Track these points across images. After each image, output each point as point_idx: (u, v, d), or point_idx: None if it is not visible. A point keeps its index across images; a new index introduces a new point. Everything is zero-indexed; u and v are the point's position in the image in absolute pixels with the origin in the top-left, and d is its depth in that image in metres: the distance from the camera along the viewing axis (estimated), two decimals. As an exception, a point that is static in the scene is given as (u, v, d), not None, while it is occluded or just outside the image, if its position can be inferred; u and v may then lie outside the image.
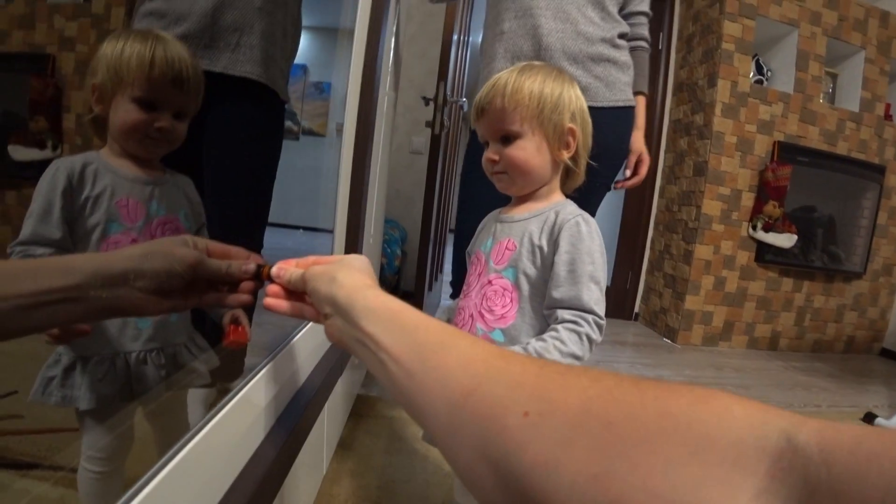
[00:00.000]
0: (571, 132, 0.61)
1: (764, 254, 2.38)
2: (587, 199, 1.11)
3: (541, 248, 0.58)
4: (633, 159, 1.16)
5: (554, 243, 0.57)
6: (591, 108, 1.03)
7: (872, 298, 2.64)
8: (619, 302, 2.79)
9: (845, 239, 2.56)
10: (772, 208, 2.35)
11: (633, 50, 1.16)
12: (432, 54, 2.42)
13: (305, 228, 1.61)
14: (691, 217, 2.35)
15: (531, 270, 0.58)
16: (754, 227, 2.35)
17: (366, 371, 1.50)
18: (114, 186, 0.58)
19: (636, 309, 2.78)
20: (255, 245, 0.89)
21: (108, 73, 0.55)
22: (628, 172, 1.17)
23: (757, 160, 2.37)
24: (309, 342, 0.74)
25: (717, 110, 2.32)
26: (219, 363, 0.69)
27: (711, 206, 2.31)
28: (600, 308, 0.55)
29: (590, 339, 0.53)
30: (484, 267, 0.63)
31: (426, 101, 1.80)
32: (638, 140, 1.16)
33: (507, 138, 0.60)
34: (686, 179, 2.44)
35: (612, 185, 1.17)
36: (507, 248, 0.61)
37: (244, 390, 0.47)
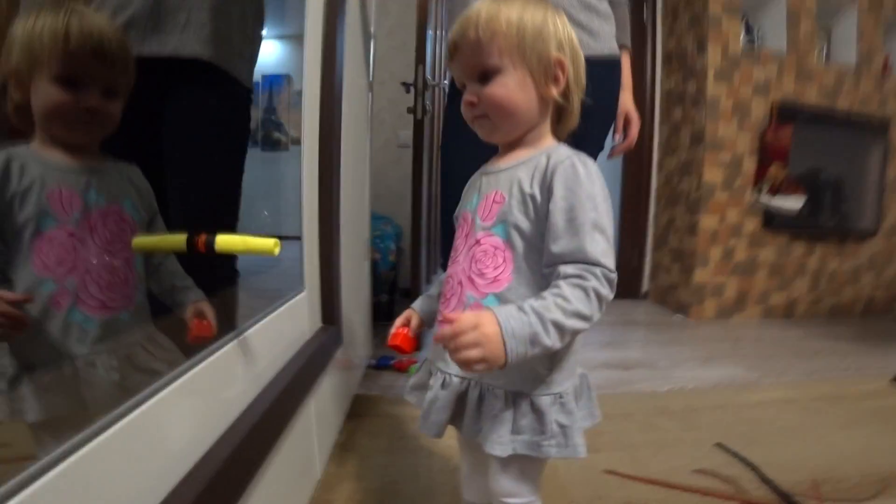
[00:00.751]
0: (559, 63, 0.52)
1: (772, 219, 2.30)
2: None
3: (532, 196, 0.49)
4: (620, 121, 1.09)
5: (548, 189, 0.48)
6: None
7: (888, 256, 2.55)
8: (626, 281, 2.70)
9: (855, 198, 2.47)
10: (776, 170, 2.26)
11: (610, 4, 1.09)
12: (412, 45, 2.37)
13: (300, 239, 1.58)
14: (693, 187, 2.28)
15: (524, 224, 0.50)
16: (759, 192, 2.27)
17: (364, 369, 1.44)
18: (43, 178, 0.52)
19: (645, 287, 2.70)
20: None
21: (21, 55, 0.50)
22: (618, 137, 1.10)
23: (755, 123, 2.29)
24: (277, 333, 0.68)
25: (710, 76, 2.24)
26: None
27: (713, 174, 2.24)
28: (609, 260, 0.46)
29: (598, 296, 0.45)
30: (471, 227, 0.54)
31: (406, 86, 1.74)
32: (626, 100, 1.10)
33: (486, 75, 0.51)
34: (684, 150, 2.37)
35: (608, 155, 1.10)
36: (494, 201, 0.53)
37: (187, 376, 0.42)
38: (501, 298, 0.50)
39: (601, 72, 1.00)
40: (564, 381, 0.51)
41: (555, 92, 0.53)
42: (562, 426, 0.49)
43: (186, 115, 0.87)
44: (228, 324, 0.64)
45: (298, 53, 0.97)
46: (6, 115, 0.53)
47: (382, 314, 1.83)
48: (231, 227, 0.99)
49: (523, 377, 0.50)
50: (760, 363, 1.71)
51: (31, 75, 0.50)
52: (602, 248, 0.46)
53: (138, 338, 0.59)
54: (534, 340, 0.43)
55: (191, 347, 0.58)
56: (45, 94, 0.51)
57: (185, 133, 0.88)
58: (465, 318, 0.43)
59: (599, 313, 0.46)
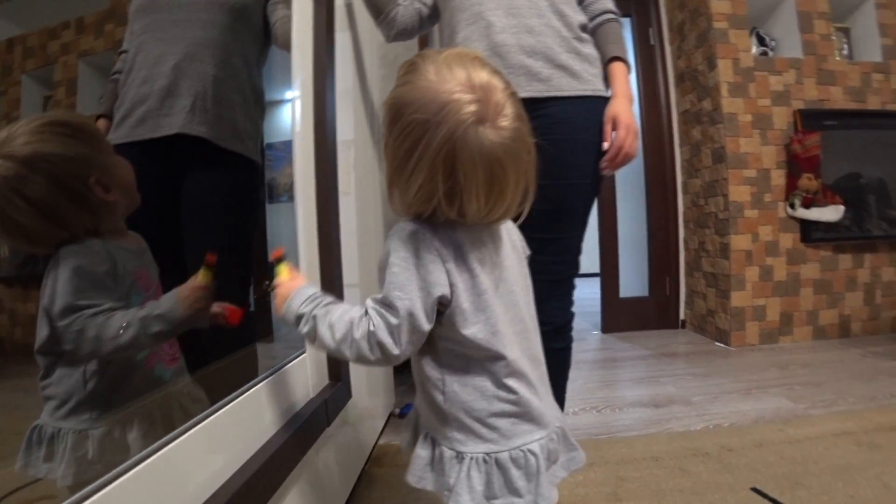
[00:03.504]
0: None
1: (811, 232, 2.16)
2: (565, 206, 1.02)
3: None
4: (608, 127, 0.98)
5: None
6: (556, 99, 0.99)
7: (953, 260, 2.32)
8: (662, 310, 2.60)
9: (902, 201, 2.29)
10: (807, 181, 2.15)
11: (600, 25, 1.08)
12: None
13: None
14: (720, 207, 2.19)
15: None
16: (792, 206, 2.15)
17: (387, 418, 1.44)
18: (125, 263, 0.64)
19: (681, 316, 2.57)
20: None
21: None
22: (605, 144, 0.99)
23: (779, 134, 2.21)
24: (274, 396, 0.70)
25: (724, 91, 2.20)
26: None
27: (739, 192, 2.15)
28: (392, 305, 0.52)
29: (369, 336, 0.52)
30: None
31: None
32: (613, 105, 1.00)
33: None
34: (707, 170, 2.30)
35: (601, 170, 1.00)
36: None
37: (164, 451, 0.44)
38: None
39: (582, 108, 1.01)
40: (467, 443, 0.55)
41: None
42: (450, 487, 0.54)
43: (196, 187, 0.97)
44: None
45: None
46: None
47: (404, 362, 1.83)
48: (245, 281, 1.07)
49: (434, 427, 0.58)
50: (809, 392, 1.57)
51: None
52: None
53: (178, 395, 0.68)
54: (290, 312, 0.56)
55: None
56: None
57: (198, 201, 0.98)
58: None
59: (364, 355, 0.53)
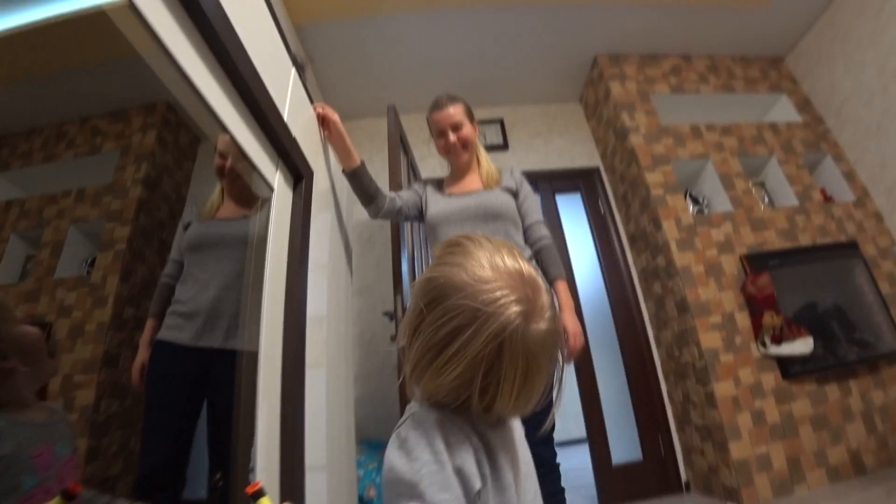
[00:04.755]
0: None
1: (789, 367, 2.27)
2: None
3: None
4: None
5: None
6: None
7: (934, 371, 2.40)
8: (660, 473, 2.43)
9: (863, 321, 2.46)
10: (770, 319, 2.32)
11: (539, 251, 1.39)
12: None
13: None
14: (695, 356, 2.32)
15: None
16: (763, 345, 2.29)
17: None
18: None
19: (683, 477, 2.44)
20: None
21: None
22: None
23: (732, 279, 2.44)
24: None
25: (673, 247, 2.48)
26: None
27: (710, 339, 2.29)
28: None
29: None
30: None
31: (388, 315, 1.93)
32: (563, 318, 1.27)
33: None
34: (674, 321, 2.48)
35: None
36: None
37: None
38: None
39: None
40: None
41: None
42: None
43: (228, 385, 1.09)
44: None
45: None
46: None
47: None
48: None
49: None
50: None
51: None
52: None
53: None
54: None
55: None
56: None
57: (227, 397, 1.08)
58: None
59: None
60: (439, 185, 1.72)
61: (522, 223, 1.49)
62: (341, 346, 1.53)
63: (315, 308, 1.26)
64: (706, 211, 2.74)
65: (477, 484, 0.47)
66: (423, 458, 0.46)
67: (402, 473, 0.46)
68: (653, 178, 2.68)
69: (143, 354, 1.10)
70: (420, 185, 1.72)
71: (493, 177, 1.59)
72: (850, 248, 2.59)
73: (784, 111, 3.12)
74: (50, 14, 0.69)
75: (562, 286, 1.35)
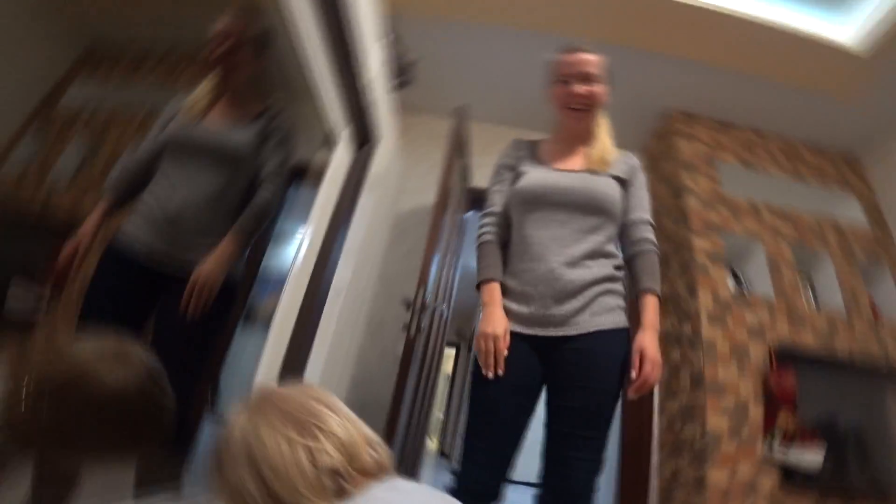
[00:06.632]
0: None
1: (791, 475, 2.16)
2: (581, 434, 1.09)
3: None
4: (636, 358, 1.10)
5: None
6: (577, 337, 1.12)
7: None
8: None
9: (883, 451, 2.32)
10: (785, 419, 2.21)
11: (636, 255, 1.23)
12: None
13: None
14: (697, 435, 2.23)
15: None
16: (771, 446, 2.19)
17: None
18: None
19: None
20: None
21: None
22: (634, 373, 1.10)
23: (756, 367, 2.34)
24: None
25: (703, 318, 2.39)
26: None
27: (717, 422, 2.20)
28: None
29: None
30: None
31: (407, 305, 1.87)
32: (641, 337, 1.12)
33: None
34: (685, 393, 2.39)
35: (629, 393, 1.11)
36: None
37: None
38: None
39: (606, 340, 1.13)
40: None
41: None
42: None
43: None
44: None
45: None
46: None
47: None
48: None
49: None
50: None
51: None
52: None
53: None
54: None
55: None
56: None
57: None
58: None
59: None
60: (534, 149, 1.42)
61: (624, 217, 1.26)
62: (349, 323, 1.52)
63: (340, 279, 1.24)
64: (746, 292, 2.63)
65: None
66: None
67: None
68: (700, 243, 2.59)
69: (83, 238, 0.99)
70: (511, 155, 1.42)
71: (605, 159, 1.32)
72: (888, 375, 2.45)
73: (850, 211, 2.99)
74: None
75: (651, 301, 1.16)
